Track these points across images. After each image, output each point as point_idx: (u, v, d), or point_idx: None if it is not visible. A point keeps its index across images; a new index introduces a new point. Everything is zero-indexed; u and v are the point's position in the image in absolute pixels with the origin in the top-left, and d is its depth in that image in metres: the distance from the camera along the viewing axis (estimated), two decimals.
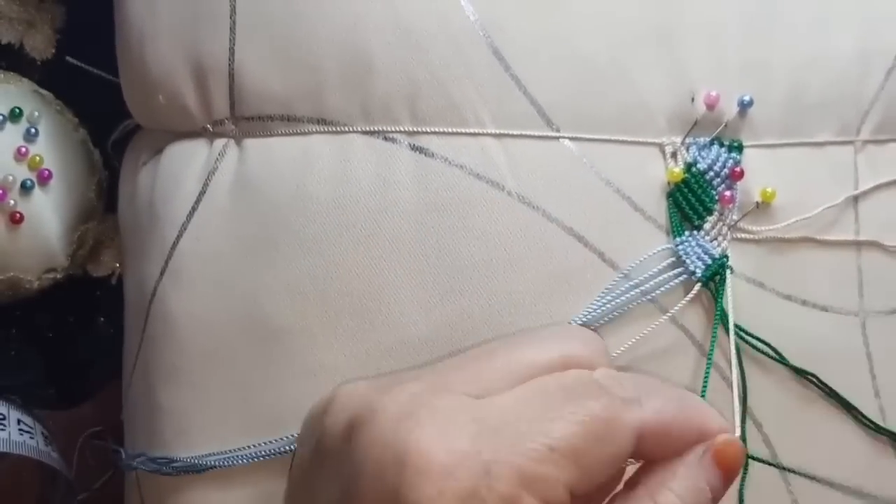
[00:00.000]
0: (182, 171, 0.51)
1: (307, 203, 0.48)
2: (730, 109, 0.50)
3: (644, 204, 0.49)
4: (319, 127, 0.49)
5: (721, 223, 0.50)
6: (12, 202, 0.57)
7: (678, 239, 0.49)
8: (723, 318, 0.49)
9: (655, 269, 0.49)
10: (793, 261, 0.50)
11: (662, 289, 0.49)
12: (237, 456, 0.49)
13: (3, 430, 0.57)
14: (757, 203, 0.50)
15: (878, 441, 0.51)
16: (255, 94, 0.49)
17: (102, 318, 0.63)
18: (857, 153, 0.51)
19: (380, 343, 0.48)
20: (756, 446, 0.49)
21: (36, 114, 0.59)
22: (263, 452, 0.48)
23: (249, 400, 0.49)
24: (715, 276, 0.49)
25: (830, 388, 0.50)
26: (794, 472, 0.50)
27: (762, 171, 0.50)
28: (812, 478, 0.50)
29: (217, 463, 0.49)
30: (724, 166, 0.50)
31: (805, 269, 0.51)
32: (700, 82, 0.50)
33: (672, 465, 0.37)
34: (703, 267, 0.49)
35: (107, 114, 0.59)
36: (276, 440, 0.48)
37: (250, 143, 0.50)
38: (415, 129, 0.48)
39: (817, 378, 0.50)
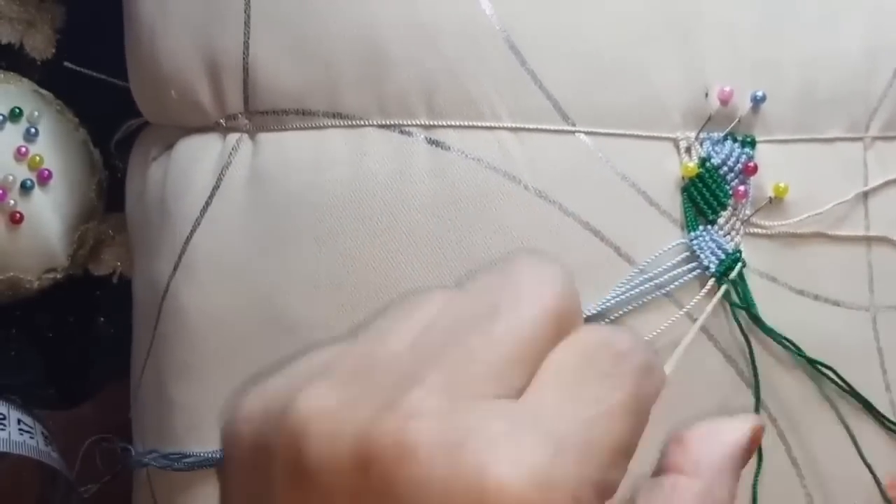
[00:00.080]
0: (195, 165, 0.51)
1: (322, 197, 0.48)
2: (743, 105, 0.50)
3: (659, 199, 0.49)
4: (335, 121, 0.49)
5: (735, 218, 0.50)
6: (12, 202, 0.57)
7: (693, 234, 0.49)
8: (746, 311, 0.49)
9: (670, 264, 0.49)
10: (805, 256, 0.51)
11: (677, 283, 0.49)
12: None
13: (3, 429, 0.56)
14: (770, 198, 0.50)
15: (891, 436, 0.51)
16: (269, 89, 0.49)
17: (103, 318, 0.63)
18: (867, 149, 0.52)
19: None
20: (771, 441, 0.50)
21: (36, 114, 0.59)
22: None
23: None
24: (728, 271, 0.49)
25: (846, 383, 0.50)
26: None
27: (775, 166, 0.51)
28: (826, 473, 0.51)
29: None
30: (737, 161, 0.50)
31: (817, 264, 0.51)
32: (714, 78, 0.50)
33: (727, 465, 0.36)
34: (716, 262, 0.49)
35: (107, 114, 0.59)
36: None
37: (264, 138, 0.50)
38: (431, 123, 0.48)
39: (835, 372, 0.50)
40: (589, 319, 0.47)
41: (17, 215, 0.57)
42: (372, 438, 0.28)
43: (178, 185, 0.51)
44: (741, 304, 0.49)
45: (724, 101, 0.50)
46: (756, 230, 0.50)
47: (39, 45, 0.61)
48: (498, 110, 0.48)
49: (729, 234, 0.50)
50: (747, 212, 0.50)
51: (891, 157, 0.52)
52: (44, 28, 0.61)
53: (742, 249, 0.50)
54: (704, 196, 0.49)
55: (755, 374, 0.49)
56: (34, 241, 0.58)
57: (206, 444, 0.49)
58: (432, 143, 0.48)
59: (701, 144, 0.50)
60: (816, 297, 0.51)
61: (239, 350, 0.49)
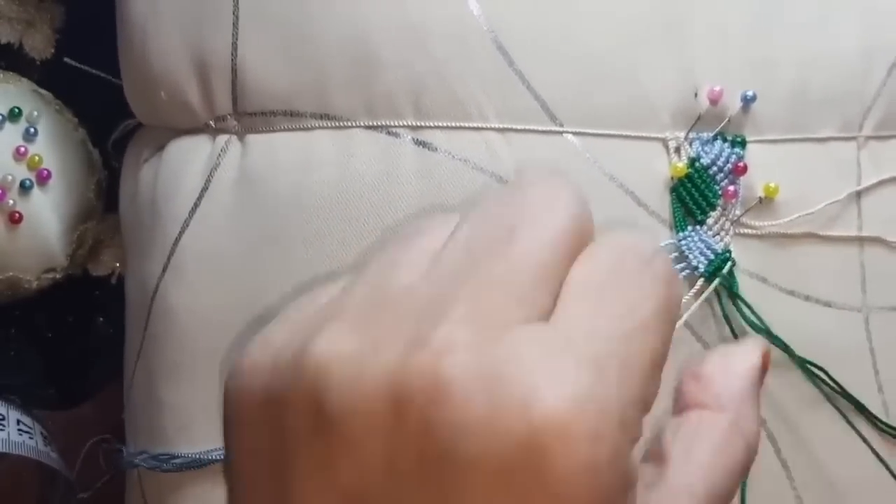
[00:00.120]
0: (184, 167, 0.51)
1: (310, 198, 0.48)
2: (733, 105, 0.50)
3: (647, 199, 0.49)
4: (322, 122, 0.49)
5: (724, 218, 0.50)
6: (11, 202, 0.57)
7: (681, 234, 0.49)
8: (738, 312, 0.49)
9: None
10: (796, 256, 0.50)
11: None
12: None
13: (2, 430, 0.57)
14: (760, 198, 0.50)
15: (883, 438, 0.51)
16: (258, 90, 0.49)
17: (102, 318, 0.63)
18: (860, 149, 0.51)
19: None
20: (761, 442, 0.49)
21: (35, 113, 0.59)
22: None
23: None
24: (717, 272, 0.49)
25: (838, 384, 0.50)
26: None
27: (765, 166, 0.50)
28: (817, 474, 0.50)
29: (219, 457, 0.48)
30: (727, 161, 0.50)
31: (808, 265, 0.50)
32: (704, 78, 0.50)
33: (748, 392, 0.36)
34: (705, 262, 0.49)
35: (106, 113, 0.59)
36: None
37: (253, 139, 0.50)
38: (418, 124, 0.48)
39: (826, 373, 0.49)
40: None
41: (16, 215, 0.57)
42: (404, 379, 0.27)
43: (168, 186, 0.51)
44: (731, 304, 0.49)
45: (714, 101, 0.49)
46: (746, 230, 0.50)
47: (38, 44, 0.61)
48: (485, 111, 0.48)
49: (718, 234, 0.49)
50: (737, 212, 0.50)
51: (884, 156, 0.52)
52: (43, 28, 0.61)
53: (732, 250, 0.49)
54: (693, 196, 0.49)
55: None
56: (33, 241, 0.58)
57: (196, 444, 0.49)
58: (419, 143, 0.48)
59: (690, 144, 0.50)
60: (807, 298, 0.50)
61: (227, 349, 0.49)
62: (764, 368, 0.38)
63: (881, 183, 0.51)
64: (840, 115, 0.51)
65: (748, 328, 0.49)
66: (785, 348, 0.49)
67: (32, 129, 0.58)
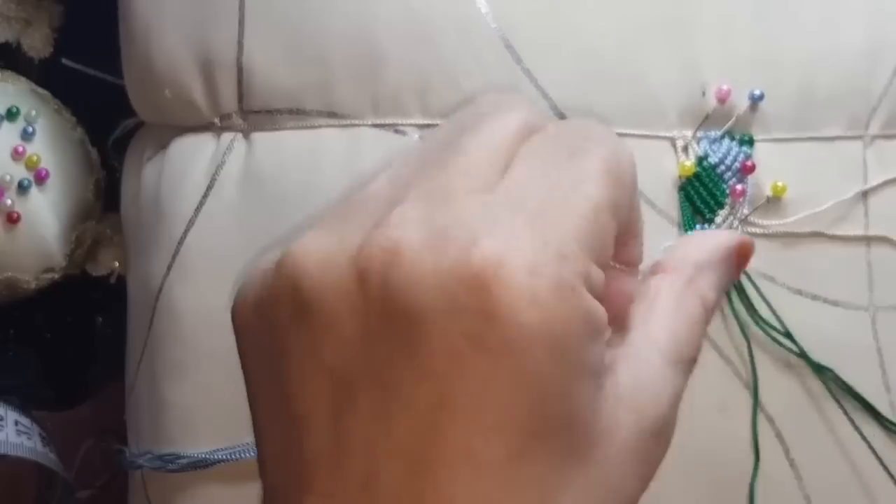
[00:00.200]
0: (189, 165, 0.51)
1: (316, 196, 0.48)
2: (741, 103, 0.50)
3: (656, 198, 0.49)
4: (329, 120, 0.49)
5: (732, 217, 0.50)
6: (9, 202, 0.57)
7: (690, 233, 0.49)
8: (746, 311, 0.49)
9: None
10: (803, 255, 0.50)
11: None
12: (244, 450, 0.48)
13: (0, 431, 0.56)
14: (767, 197, 0.50)
15: (890, 438, 0.51)
16: (263, 88, 0.49)
17: (101, 319, 0.63)
18: (866, 148, 0.51)
19: None
20: (768, 441, 0.49)
21: (33, 113, 0.58)
22: None
23: None
24: None
25: (845, 384, 0.50)
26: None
27: (773, 165, 0.50)
28: (825, 475, 0.50)
29: (224, 457, 0.48)
30: (735, 160, 0.50)
31: (815, 264, 0.50)
32: (712, 77, 0.50)
33: (708, 261, 0.36)
34: None
35: (105, 113, 0.59)
36: None
37: (258, 137, 0.50)
38: (425, 122, 0.48)
39: (833, 373, 0.49)
40: None
41: (15, 215, 0.57)
42: (365, 253, 0.29)
43: (173, 184, 0.51)
44: (739, 303, 0.49)
45: (722, 100, 0.49)
46: (754, 229, 0.50)
47: (37, 43, 0.61)
48: None
49: None
50: (745, 211, 0.50)
51: (891, 155, 0.52)
52: (41, 27, 0.61)
53: None
54: (701, 195, 0.49)
55: (754, 375, 0.49)
56: (31, 241, 0.58)
57: (201, 444, 0.49)
58: None
59: (698, 143, 0.50)
60: (815, 297, 0.50)
61: (233, 350, 0.48)
62: (741, 257, 0.38)
63: (888, 182, 0.51)
64: (846, 114, 0.51)
65: (754, 326, 0.49)
66: (792, 348, 0.49)
67: (30, 129, 0.58)
